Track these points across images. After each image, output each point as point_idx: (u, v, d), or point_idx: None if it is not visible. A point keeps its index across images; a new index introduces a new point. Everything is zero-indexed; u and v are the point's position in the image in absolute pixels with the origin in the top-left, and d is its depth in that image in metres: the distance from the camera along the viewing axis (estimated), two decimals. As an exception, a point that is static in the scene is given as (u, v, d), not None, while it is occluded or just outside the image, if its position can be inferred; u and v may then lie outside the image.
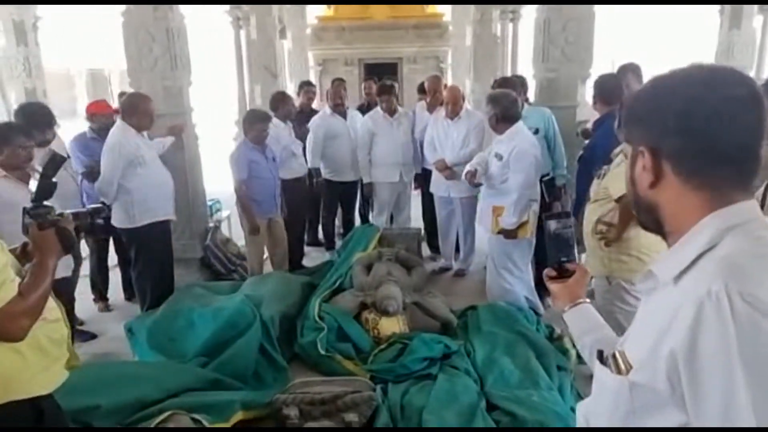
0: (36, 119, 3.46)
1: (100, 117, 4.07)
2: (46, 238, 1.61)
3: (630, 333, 0.85)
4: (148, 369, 2.84)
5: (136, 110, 3.54)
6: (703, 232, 0.75)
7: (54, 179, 1.83)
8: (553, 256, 1.21)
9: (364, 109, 5.52)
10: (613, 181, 2.47)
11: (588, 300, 1.18)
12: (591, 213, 2.62)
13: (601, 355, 0.87)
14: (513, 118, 3.43)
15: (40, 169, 3.06)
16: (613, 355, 0.81)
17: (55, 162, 1.86)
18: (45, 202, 1.75)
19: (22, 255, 1.70)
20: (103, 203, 2.16)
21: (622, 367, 0.78)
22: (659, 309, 0.77)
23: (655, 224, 0.84)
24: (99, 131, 4.01)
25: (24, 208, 1.72)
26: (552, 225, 1.21)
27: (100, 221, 1.82)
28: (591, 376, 2.91)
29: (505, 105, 3.40)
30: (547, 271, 1.22)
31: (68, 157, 3.71)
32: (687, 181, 0.77)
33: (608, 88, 3.30)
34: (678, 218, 0.80)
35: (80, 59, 16.87)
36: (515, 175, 3.36)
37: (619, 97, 3.01)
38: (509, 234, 3.44)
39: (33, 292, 1.50)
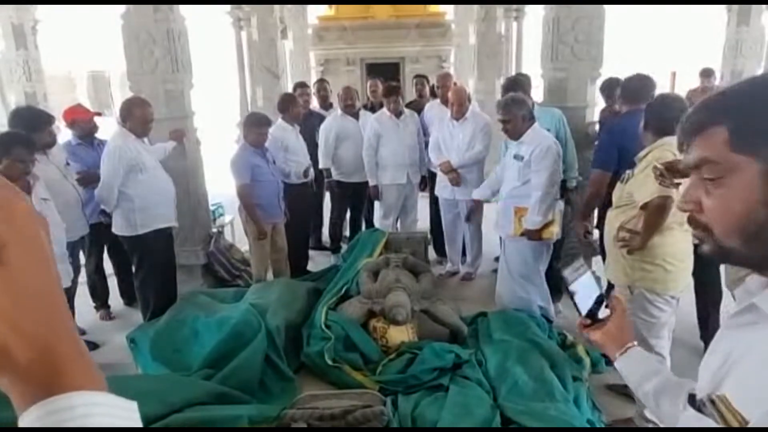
0: (34, 122, 3.38)
1: (80, 123, 3.97)
2: None
3: (731, 374, 0.72)
4: (152, 383, 2.76)
5: (131, 116, 3.46)
6: None
7: None
8: (582, 306, 1.11)
9: (368, 108, 5.44)
10: (638, 187, 2.37)
11: (635, 343, 1.06)
12: (613, 219, 2.51)
13: (693, 400, 0.76)
14: (533, 117, 3.39)
15: (41, 175, 2.99)
16: (712, 401, 0.70)
17: None
18: None
19: None
20: None
21: (730, 418, 0.67)
22: None
23: None
24: (83, 137, 3.96)
25: None
26: (568, 277, 1.12)
27: None
28: (607, 386, 2.81)
29: (528, 105, 3.36)
30: (581, 321, 1.11)
31: (68, 163, 3.64)
32: None
33: (636, 88, 3.19)
34: None
35: (81, 61, 16.82)
36: (539, 173, 3.25)
37: (646, 97, 2.90)
38: (533, 235, 3.33)
39: None
